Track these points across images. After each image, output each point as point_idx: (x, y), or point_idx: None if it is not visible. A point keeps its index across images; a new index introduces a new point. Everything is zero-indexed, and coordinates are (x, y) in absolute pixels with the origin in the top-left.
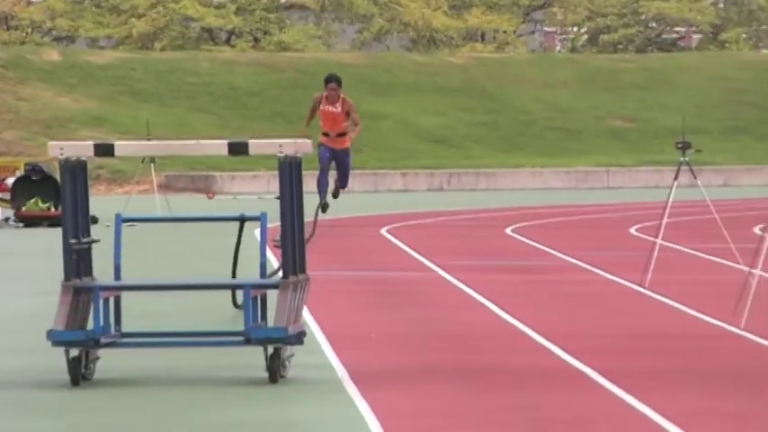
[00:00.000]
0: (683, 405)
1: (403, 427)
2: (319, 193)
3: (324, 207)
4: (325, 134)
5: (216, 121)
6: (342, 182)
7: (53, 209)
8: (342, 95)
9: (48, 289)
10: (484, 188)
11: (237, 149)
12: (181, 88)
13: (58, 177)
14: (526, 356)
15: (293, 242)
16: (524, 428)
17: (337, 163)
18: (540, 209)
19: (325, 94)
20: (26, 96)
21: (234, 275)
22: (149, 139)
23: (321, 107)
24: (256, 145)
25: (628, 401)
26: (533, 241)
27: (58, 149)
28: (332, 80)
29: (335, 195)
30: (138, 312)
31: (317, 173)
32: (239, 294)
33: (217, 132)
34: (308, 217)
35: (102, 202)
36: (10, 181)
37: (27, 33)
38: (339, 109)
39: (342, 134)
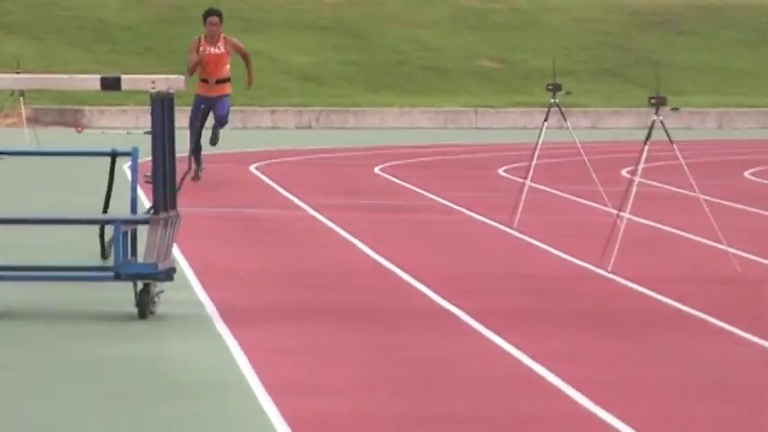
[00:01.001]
0: (549, 346)
1: (271, 364)
2: (194, 159)
3: (195, 177)
4: (204, 80)
5: (85, 54)
6: (221, 113)
7: None
8: (223, 34)
9: None
10: (352, 126)
11: (110, 85)
12: (50, 21)
13: None
14: (396, 296)
15: (164, 178)
16: (393, 367)
17: (215, 112)
18: (408, 148)
19: (203, 34)
20: None
21: (106, 211)
22: (18, 72)
23: (200, 49)
24: (129, 80)
25: (495, 341)
26: (402, 181)
27: None
28: (213, 14)
29: (214, 141)
30: (6, 246)
31: (188, 131)
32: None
33: (86, 66)
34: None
35: None
36: None
37: None
38: (222, 49)
39: (223, 80)
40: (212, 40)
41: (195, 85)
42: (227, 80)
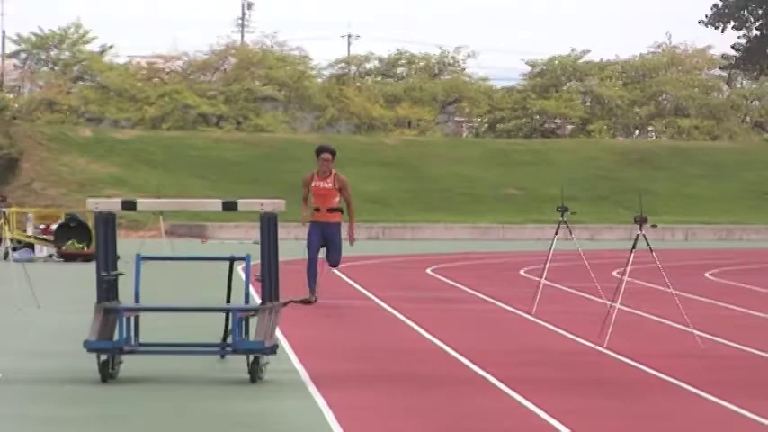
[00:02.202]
0: (561, 404)
1: (351, 418)
2: (309, 285)
3: (308, 302)
4: (316, 209)
5: (209, 184)
6: (333, 258)
7: (86, 248)
8: (334, 171)
9: (84, 309)
10: (410, 238)
11: (230, 206)
12: (182, 159)
13: (89, 224)
14: (443, 366)
15: (269, 277)
16: (443, 419)
17: (328, 241)
18: (452, 255)
19: (315, 170)
20: (66, 163)
21: (228, 302)
22: (158, 197)
23: (312, 184)
24: (243, 203)
25: (520, 401)
26: (447, 278)
27: (94, 204)
28: (325, 150)
29: (313, 295)
30: (152, 328)
31: (306, 263)
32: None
33: (209, 192)
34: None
35: (123, 244)
36: (53, 227)
37: (66, 115)
38: (330, 185)
39: (333, 210)
40: (323, 174)
41: (311, 217)
42: (337, 210)
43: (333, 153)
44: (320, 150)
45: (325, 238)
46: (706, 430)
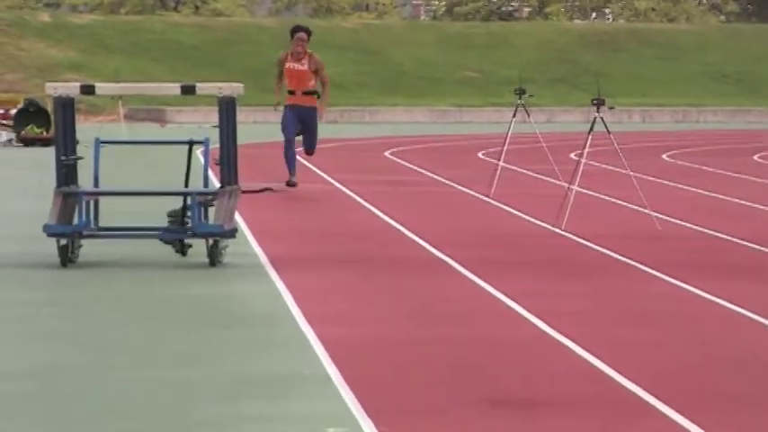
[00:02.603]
0: (518, 285)
1: (309, 300)
2: (289, 168)
3: (291, 184)
4: (291, 92)
5: (167, 69)
6: (309, 144)
7: (45, 133)
8: (309, 51)
9: (43, 194)
10: (368, 121)
11: (188, 90)
12: (141, 44)
13: (48, 109)
14: (402, 248)
15: (228, 161)
16: (401, 301)
17: (304, 124)
18: (410, 137)
19: (290, 50)
20: (24, 48)
21: (186, 186)
22: (118, 82)
23: (287, 65)
24: (201, 87)
25: (477, 282)
26: (405, 161)
27: (53, 89)
28: (299, 30)
29: (292, 180)
30: (110, 211)
31: (283, 144)
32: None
33: (168, 77)
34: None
35: (81, 129)
36: (12, 112)
37: (25, 0)
38: (306, 66)
39: (309, 92)
40: (298, 55)
41: (285, 100)
42: (313, 92)
43: (308, 33)
44: (295, 30)
45: (301, 122)
46: (660, 309)
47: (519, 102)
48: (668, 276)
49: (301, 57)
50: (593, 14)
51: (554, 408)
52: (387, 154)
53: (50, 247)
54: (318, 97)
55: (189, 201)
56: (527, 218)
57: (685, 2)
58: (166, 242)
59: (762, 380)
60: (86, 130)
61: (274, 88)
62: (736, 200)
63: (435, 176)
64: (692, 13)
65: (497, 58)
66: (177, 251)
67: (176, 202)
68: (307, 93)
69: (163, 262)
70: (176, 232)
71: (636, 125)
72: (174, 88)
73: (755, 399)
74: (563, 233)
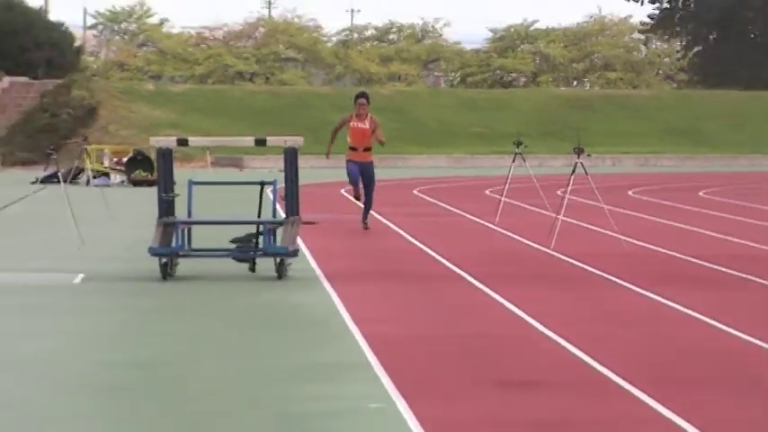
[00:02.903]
0: (517, 293)
1: (356, 305)
2: (355, 189)
3: (364, 226)
4: (353, 149)
5: (244, 126)
6: (368, 200)
7: (149, 176)
8: (370, 114)
9: (148, 223)
10: (400, 167)
11: (260, 143)
12: (223, 107)
13: (152, 157)
14: (426, 265)
15: (290, 197)
16: (426, 307)
17: (364, 176)
18: (433, 179)
19: (354, 112)
20: (134, 110)
21: (258, 216)
22: (206, 136)
23: (351, 124)
24: (271, 140)
25: (487, 292)
26: (430, 197)
27: (156, 141)
28: (362, 96)
29: (365, 224)
30: (202, 237)
31: (351, 187)
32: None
33: (244, 132)
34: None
35: (177, 173)
36: (125, 160)
37: (133, 73)
38: (367, 125)
39: (368, 149)
40: (361, 116)
41: (346, 153)
42: (370, 149)
43: (368, 98)
44: (358, 96)
45: (360, 175)
46: (628, 312)
47: (517, 150)
48: (634, 286)
49: (363, 117)
50: (575, 83)
51: (546, 387)
52: (415, 192)
53: (154, 264)
54: (371, 152)
55: (261, 228)
56: (524, 240)
57: (646, 73)
58: (240, 260)
59: (711, 367)
60: (181, 174)
61: (328, 139)
62: (687, 226)
63: (452, 209)
64: (651, 81)
65: (500, 117)
66: (250, 269)
67: (241, 231)
68: (366, 149)
69: (241, 276)
70: (252, 252)
71: (608, 168)
72: (249, 141)
73: (707, 381)
74: (552, 252)
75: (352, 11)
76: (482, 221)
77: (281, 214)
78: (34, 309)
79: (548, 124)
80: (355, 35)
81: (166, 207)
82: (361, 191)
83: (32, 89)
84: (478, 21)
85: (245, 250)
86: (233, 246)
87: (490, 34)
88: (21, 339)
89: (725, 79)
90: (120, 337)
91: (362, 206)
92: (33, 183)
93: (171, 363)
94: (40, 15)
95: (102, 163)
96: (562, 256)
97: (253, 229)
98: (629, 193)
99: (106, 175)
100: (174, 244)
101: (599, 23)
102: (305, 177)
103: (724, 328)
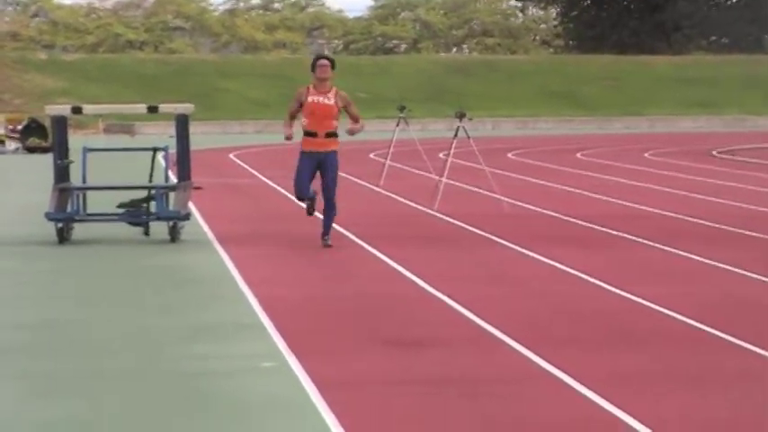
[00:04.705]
0: (403, 253)
1: (248, 267)
2: (300, 198)
3: (310, 208)
4: (310, 134)
5: (135, 93)
6: (329, 193)
7: (44, 143)
8: (334, 86)
9: (44, 189)
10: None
11: (152, 110)
12: (114, 75)
13: (46, 125)
14: (312, 227)
15: (182, 162)
16: (315, 269)
17: (323, 173)
18: None
19: (312, 82)
20: (27, 79)
21: (150, 181)
22: (98, 103)
23: (308, 99)
24: (163, 107)
25: (372, 252)
26: None
27: (51, 109)
28: (323, 58)
29: (325, 241)
30: (95, 202)
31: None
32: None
33: (135, 99)
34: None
35: (71, 140)
36: (19, 127)
37: (26, 43)
38: (332, 101)
39: (332, 134)
40: (322, 88)
41: (302, 140)
42: (335, 134)
43: (333, 63)
44: (318, 58)
45: (318, 168)
46: (509, 270)
47: (401, 115)
48: (514, 245)
49: (326, 90)
50: (455, 49)
51: (435, 345)
52: None
53: (50, 229)
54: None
55: (153, 192)
56: (408, 202)
57: (523, 38)
58: (134, 224)
59: (587, 322)
60: (75, 140)
61: (285, 122)
62: (565, 187)
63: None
64: (528, 47)
65: (383, 83)
66: (144, 232)
67: (135, 195)
68: (330, 134)
69: (135, 239)
70: (146, 216)
71: (488, 131)
72: (141, 108)
73: (584, 336)
74: (436, 214)
75: None
76: (367, 184)
77: (173, 179)
78: None
79: (429, 89)
80: (241, 4)
81: (61, 173)
82: (317, 196)
83: None
84: None
85: (138, 214)
86: (123, 210)
87: (372, 2)
88: None
89: (600, 44)
90: (15, 300)
91: (315, 214)
92: None
93: (66, 324)
94: None
95: None
96: (446, 217)
97: (143, 193)
98: (509, 155)
99: (1, 142)
100: (69, 209)
101: None
102: (195, 143)
103: (599, 283)
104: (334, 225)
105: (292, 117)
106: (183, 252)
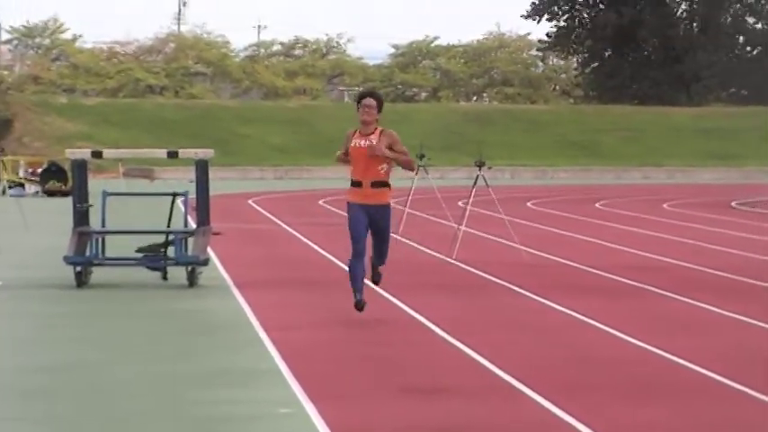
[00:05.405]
0: (421, 300)
1: (265, 312)
2: (354, 287)
3: (359, 305)
4: (356, 184)
5: (155, 138)
6: (379, 257)
7: (64, 187)
8: (380, 128)
9: (63, 232)
10: (306, 177)
11: (172, 155)
12: (134, 119)
13: (66, 169)
14: (331, 272)
15: (202, 207)
16: (332, 313)
17: (374, 229)
18: (337, 190)
19: (358, 128)
20: (47, 122)
21: (169, 226)
22: (118, 148)
23: (352, 143)
24: (183, 152)
25: (389, 298)
26: (334, 208)
27: (71, 153)
28: (368, 96)
29: (375, 280)
30: (115, 246)
31: (349, 256)
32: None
33: (155, 144)
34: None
35: (91, 184)
36: (39, 170)
37: (47, 87)
38: (376, 143)
39: (381, 184)
40: (365, 129)
41: (347, 191)
42: (384, 184)
43: (379, 101)
44: (361, 96)
45: (370, 225)
46: (527, 319)
47: (420, 163)
48: (533, 294)
49: (370, 132)
50: (474, 98)
51: (449, 393)
52: (320, 202)
53: (68, 272)
54: (390, 189)
55: (171, 237)
56: (427, 250)
57: (543, 88)
58: (152, 269)
59: (606, 372)
60: (95, 184)
61: (338, 159)
62: (583, 237)
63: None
64: (548, 97)
65: (402, 131)
66: (162, 277)
67: (154, 240)
68: (377, 184)
69: (153, 284)
70: (165, 261)
71: (507, 180)
72: (162, 153)
73: (603, 386)
74: (454, 262)
75: (259, 26)
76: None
77: (193, 224)
78: None
79: (448, 137)
80: (262, 50)
81: (81, 217)
82: (368, 254)
83: None
84: (381, 37)
85: (157, 259)
86: (141, 255)
87: (392, 50)
88: None
89: (619, 95)
90: (36, 343)
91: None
92: None
93: (86, 367)
94: None
95: (17, 174)
96: (464, 265)
97: (162, 238)
98: (528, 204)
99: (21, 185)
100: (88, 253)
101: (498, 40)
102: (214, 188)
103: (618, 334)
104: (341, 266)
105: (342, 163)
106: (201, 297)
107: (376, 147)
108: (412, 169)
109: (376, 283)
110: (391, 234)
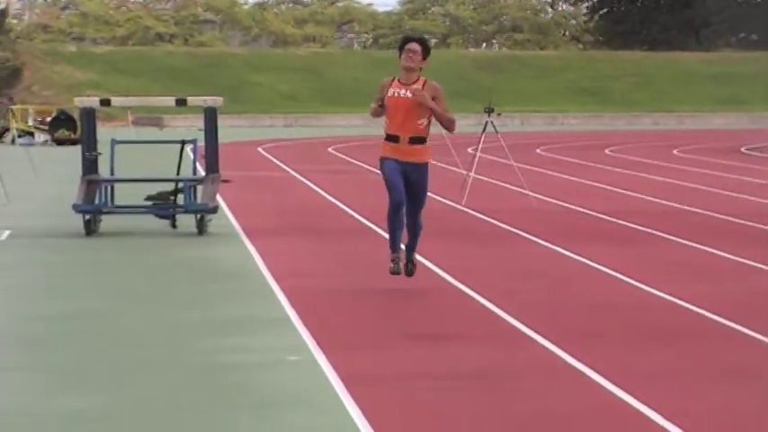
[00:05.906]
0: (435, 248)
1: (273, 259)
2: (390, 245)
3: (393, 271)
4: (392, 138)
5: (164, 86)
6: (412, 232)
7: (73, 135)
8: (423, 78)
9: (72, 180)
10: (315, 125)
11: (180, 102)
12: (144, 67)
13: (75, 117)
14: (340, 220)
15: (211, 155)
16: (340, 260)
17: (408, 192)
18: (346, 137)
19: (395, 76)
20: (57, 71)
21: (178, 174)
22: (127, 96)
23: (389, 92)
24: (191, 100)
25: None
26: (343, 155)
27: (80, 101)
28: (412, 41)
29: (409, 271)
30: (123, 194)
31: (387, 208)
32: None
33: (164, 92)
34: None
35: (100, 132)
36: (48, 119)
37: (56, 35)
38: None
39: (420, 139)
40: (407, 78)
41: (381, 145)
42: (423, 140)
43: (425, 46)
44: (405, 40)
45: (406, 180)
46: (538, 267)
47: (488, 119)
48: (543, 241)
49: (413, 81)
50: (484, 44)
51: (459, 340)
52: (330, 150)
53: (78, 221)
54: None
55: (180, 185)
56: (436, 197)
57: (553, 34)
58: (161, 217)
59: (617, 319)
60: (103, 133)
61: (373, 112)
62: (593, 183)
63: (366, 166)
64: (557, 42)
65: None
66: (171, 225)
67: (163, 188)
68: (415, 140)
69: (162, 232)
70: (173, 209)
71: (516, 127)
72: (170, 101)
73: (614, 333)
74: (464, 209)
75: None
76: None
77: (202, 172)
78: None
79: (458, 84)
80: None
81: (90, 165)
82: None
83: None
84: None
85: (166, 207)
86: (151, 203)
87: None
88: None
89: (629, 40)
90: (45, 292)
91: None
92: None
93: (94, 316)
94: None
95: (26, 122)
96: (473, 212)
97: (171, 186)
98: (538, 150)
99: (31, 134)
100: (97, 201)
101: None
102: (223, 136)
103: (629, 281)
104: (360, 218)
105: (377, 115)
106: (211, 245)
107: (420, 93)
108: (452, 130)
109: (410, 274)
110: (424, 203)
